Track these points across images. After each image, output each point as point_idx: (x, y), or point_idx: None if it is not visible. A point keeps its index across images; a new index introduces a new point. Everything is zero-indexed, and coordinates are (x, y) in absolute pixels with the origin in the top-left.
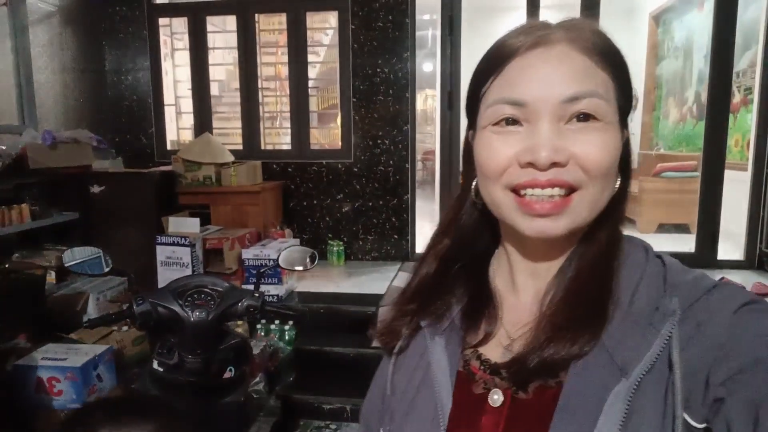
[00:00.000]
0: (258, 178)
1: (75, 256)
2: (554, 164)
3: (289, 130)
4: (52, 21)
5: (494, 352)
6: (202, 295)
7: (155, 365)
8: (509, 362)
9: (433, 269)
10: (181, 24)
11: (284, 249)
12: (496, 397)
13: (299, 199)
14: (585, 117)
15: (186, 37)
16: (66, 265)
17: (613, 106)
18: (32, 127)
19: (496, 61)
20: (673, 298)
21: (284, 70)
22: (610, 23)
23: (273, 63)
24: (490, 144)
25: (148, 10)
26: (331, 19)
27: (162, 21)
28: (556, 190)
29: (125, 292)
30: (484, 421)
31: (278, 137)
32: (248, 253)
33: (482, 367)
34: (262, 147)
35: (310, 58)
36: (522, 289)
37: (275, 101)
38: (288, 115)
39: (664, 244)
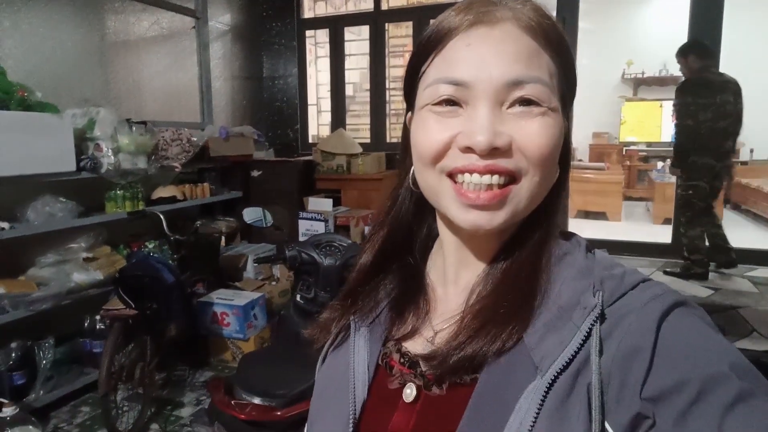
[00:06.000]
0: (382, 167)
1: (251, 215)
2: (494, 150)
3: None
4: (226, 38)
5: (417, 345)
6: (332, 248)
7: (298, 298)
8: (428, 356)
9: (369, 262)
10: (323, 35)
11: None
12: (409, 392)
13: None
14: (527, 102)
15: (327, 45)
16: (247, 221)
17: (556, 93)
18: (209, 124)
19: (436, 38)
20: (597, 293)
21: None
22: None
23: (400, 66)
24: (427, 125)
25: (298, 24)
26: None
27: (308, 33)
28: (495, 178)
29: (278, 244)
30: (396, 417)
31: None
32: None
33: (401, 361)
34: (388, 140)
35: None
36: (452, 281)
37: (401, 99)
38: None
39: None
